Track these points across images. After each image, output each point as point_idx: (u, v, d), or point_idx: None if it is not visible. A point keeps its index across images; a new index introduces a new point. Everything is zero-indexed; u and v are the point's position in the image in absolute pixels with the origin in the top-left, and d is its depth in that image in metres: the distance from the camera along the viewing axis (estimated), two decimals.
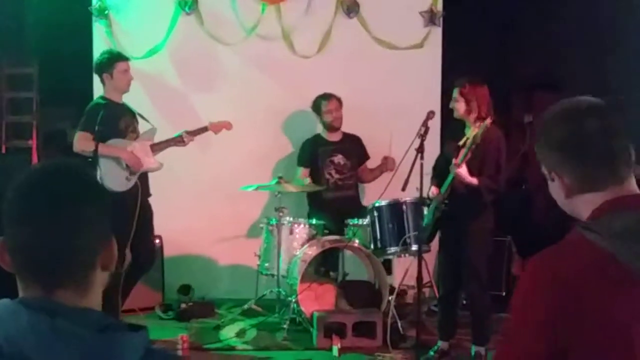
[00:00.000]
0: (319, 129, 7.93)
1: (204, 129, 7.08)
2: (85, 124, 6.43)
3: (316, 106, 7.76)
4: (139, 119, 6.85)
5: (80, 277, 1.59)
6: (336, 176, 7.75)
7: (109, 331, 1.52)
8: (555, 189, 2.06)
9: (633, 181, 1.99)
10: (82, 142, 6.40)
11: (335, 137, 7.82)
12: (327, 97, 7.71)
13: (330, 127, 7.75)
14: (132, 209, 6.52)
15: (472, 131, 5.85)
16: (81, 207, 1.59)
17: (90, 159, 6.34)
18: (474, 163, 5.87)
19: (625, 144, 1.98)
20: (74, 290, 1.57)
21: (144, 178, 6.74)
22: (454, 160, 5.86)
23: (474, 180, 5.84)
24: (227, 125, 7.23)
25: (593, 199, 1.97)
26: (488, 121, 5.75)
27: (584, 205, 1.99)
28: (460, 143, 5.92)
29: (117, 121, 6.60)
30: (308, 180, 7.70)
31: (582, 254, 1.88)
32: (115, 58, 6.68)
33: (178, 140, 6.93)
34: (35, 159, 8.55)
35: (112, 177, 6.41)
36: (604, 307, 1.83)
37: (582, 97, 2.05)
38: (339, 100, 7.72)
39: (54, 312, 1.50)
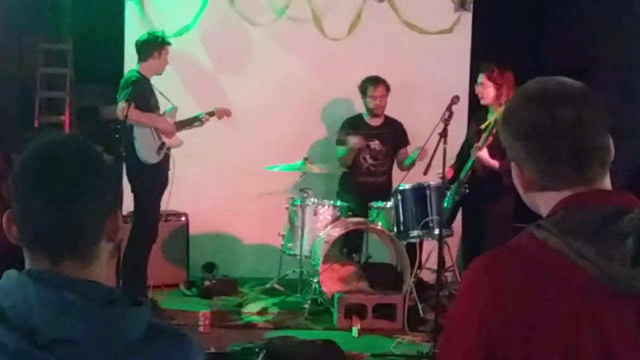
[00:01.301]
0: (350, 112, 7.90)
1: (211, 113, 7.23)
2: (128, 94, 6.56)
3: (363, 88, 7.64)
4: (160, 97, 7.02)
5: (87, 248, 1.62)
6: (370, 161, 7.72)
7: (115, 305, 1.56)
8: (515, 181, 1.79)
9: (607, 182, 1.72)
10: (125, 110, 6.49)
11: (376, 121, 7.74)
12: (375, 81, 7.58)
13: (372, 113, 7.68)
14: (164, 182, 6.74)
15: (494, 115, 5.87)
16: (86, 179, 1.62)
17: (126, 128, 6.52)
18: (495, 147, 5.88)
19: (600, 139, 1.69)
20: (80, 260, 1.61)
21: (166, 154, 6.92)
22: (475, 144, 5.88)
23: (495, 163, 5.86)
24: (228, 113, 7.37)
25: (554, 198, 1.70)
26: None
27: (544, 204, 1.74)
28: (482, 127, 5.95)
29: (149, 97, 6.80)
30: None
31: (527, 256, 1.63)
32: (167, 41, 6.89)
33: (197, 120, 7.11)
34: None
35: (147, 148, 6.61)
36: (546, 320, 1.58)
37: (560, 78, 1.75)
38: (387, 86, 7.60)
39: (61, 284, 1.54)
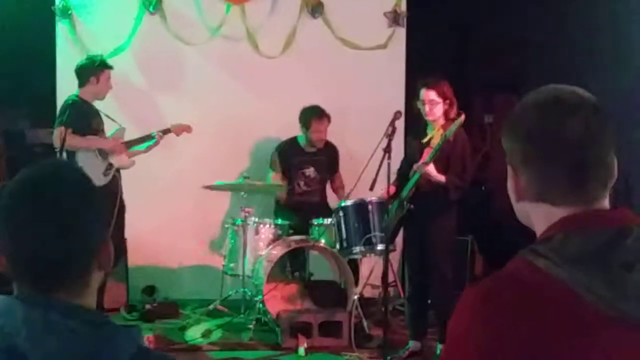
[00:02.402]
0: (286, 130, 7.86)
1: (167, 131, 7.25)
2: (65, 119, 6.57)
3: (305, 121, 7.57)
4: (105, 119, 6.96)
5: (77, 280, 1.59)
6: (304, 187, 7.75)
7: (104, 327, 1.53)
8: (510, 187, 1.72)
9: (605, 203, 1.64)
10: (60, 136, 6.51)
11: (311, 148, 7.72)
12: (319, 115, 7.52)
13: (312, 145, 7.66)
14: (112, 204, 6.65)
15: (437, 131, 5.89)
16: (76, 210, 1.59)
17: (68, 154, 6.56)
18: (440, 161, 5.92)
19: (604, 157, 1.62)
20: (69, 290, 1.58)
21: (115, 176, 6.86)
22: (421, 160, 5.89)
23: (442, 178, 5.88)
24: (188, 129, 7.39)
25: (549, 213, 1.62)
26: (462, 117, 5.77)
27: (536, 217, 1.67)
28: (424, 141, 5.97)
29: (91, 120, 6.81)
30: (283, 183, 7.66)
31: (528, 287, 1.52)
32: (105, 64, 6.92)
33: (150, 138, 7.19)
34: None
35: (92, 171, 6.49)
36: (556, 355, 1.48)
37: (574, 88, 1.67)
38: (329, 119, 7.58)
39: (49, 306, 1.51)
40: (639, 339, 1.50)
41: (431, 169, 5.84)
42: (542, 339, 1.47)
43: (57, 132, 6.56)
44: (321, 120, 7.53)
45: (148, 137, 7.19)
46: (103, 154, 6.70)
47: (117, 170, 6.87)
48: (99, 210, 1.66)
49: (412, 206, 6.06)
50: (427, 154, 5.88)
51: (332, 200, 7.77)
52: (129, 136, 7.18)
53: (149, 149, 7.29)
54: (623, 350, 1.49)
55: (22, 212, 1.56)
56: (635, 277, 1.49)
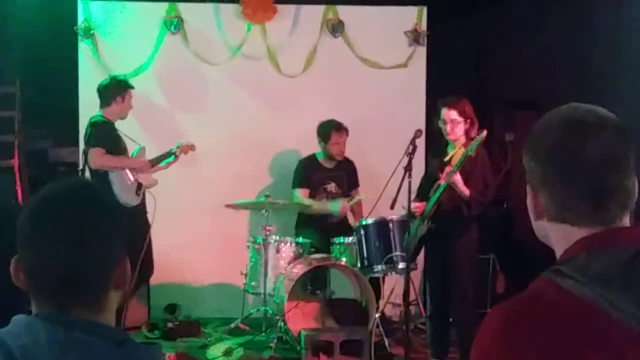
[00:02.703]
0: (307, 148, 7.85)
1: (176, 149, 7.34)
2: (99, 140, 6.70)
3: (324, 134, 7.57)
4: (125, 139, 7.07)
5: (94, 298, 1.60)
6: None
7: (125, 344, 1.54)
8: (529, 206, 1.70)
9: (625, 222, 1.61)
10: (98, 157, 6.67)
11: (331, 163, 7.71)
12: (338, 127, 7.53)
13: (332, 158, 7.66)
14: (143, 224, 6.83)
15: (458, 149, 5.88)
16: (94, 228, 1.60)
17: (98, 174, 6.68)
18: (464, 178, 5.90)
19: (625, 181, 1.58)
20: (87, 309, 1.58)
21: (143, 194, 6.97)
22: (446, 169, 5.85)
23: (466, 190, 5.84)
24: (192, 147, 7.43)
25: (568, 233, 1.59)
26: (484, 133, 5.75)
27: (555, 237, 1.64)
28: (446, 160, 5.97)
29: (119, 141, 6.91)
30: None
31: (556, 307, 1.49)
32: (128, 84, 7.00)
33: (171, 155, 7.27)
34: (17, 179, 8.50)
35: (126, 191, 6.67)
36: None
37: (598, 108, 1.64)
38: (347, 132, 7.59)
39: (71, 324, 1.52)
40: None
41: (458, 178, 5.79)
42: (574, 357, 1.46)
43: (94, 153, 6.64)
44: (340, 133, 7.54)
45: (168, 154, 7.27)
46: (132, 173, 6.78)
47: (144, 190, 6.94)
48: (117, 229, 1.66)
49: (433, 225, 6.05)
50: (454, 163, 5.84)
51: None
52: (148, 156, 7.22)
53: (168, 165, 7.34)
54: None
55: (41, 228, 1.58)
56: None
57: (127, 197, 6.68)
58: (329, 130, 7.53)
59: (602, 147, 1.56)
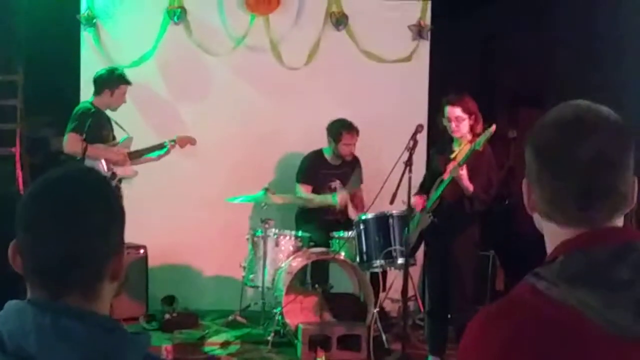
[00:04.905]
0: (309, 142, 7.80)
1: (173, 141, 7.28)
2: (76, 126, 6.67)
3: (335, 133, 7.52)
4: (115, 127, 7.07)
5: (88, 286, 1.59)
6: None
7: (114, 332, 1.54)
8: (525, 199, 1.67)
9: (616, 225, 1.58)
10: (72, 142, 6.65)
11: (337, 160, 7.69)
12: (349, 128, 7.48)
13: (339, 157, 7.63)
14: None
15: (464, 145, 5.84)
16: (91, 216, 1.60)
17: (73, 160, 6.63)
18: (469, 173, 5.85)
19: (617, 183, 1.54)
20: (81, 297, 1.57)
21: (117, 186, 6.90)
22: (451, 164, 5.81)
23: (470, 186, 5.80)
24: (192, 141, 7.36)
25: (554, 233, 1.59)
26: (493, 128, 5.69)
27: (546, 234, 1.64)
28: (452, 157, 5.92)
29: (101, 129, 6.85)
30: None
31: (532, 310, 1.49)
32: (122, 79, 6.96)
33: (161, 147, 7.17)
34: (18, 167, 8.49)
35: None
36: None
37: (599, 107, 1.59)
38: (358, 132, 7.54)
39: (59, 311, 1.52)
40: (638, 354, 1.47)
41: (464, 173, 5.74)
42: (548, 357, 1.45)
43: (68, 139, 6.65)
44: (351, 133, 7.50)
45: (159, 146, 7.18)
46: (107, 163, 6.75)
47: (119, 180, 6.89)
48: (116, 220, 1.66)
49: (435, 219, 6.01)
50: (460, 158, 5.79)
51: None
52: (139, 146, 7.15)
53: (160, 157, 7.26)
54: None
55: (39, 212, 1.58)
56: (636, 293, 1.46)
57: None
58: (341, 129, 7.49)
59: (596, 147, 1.52)
